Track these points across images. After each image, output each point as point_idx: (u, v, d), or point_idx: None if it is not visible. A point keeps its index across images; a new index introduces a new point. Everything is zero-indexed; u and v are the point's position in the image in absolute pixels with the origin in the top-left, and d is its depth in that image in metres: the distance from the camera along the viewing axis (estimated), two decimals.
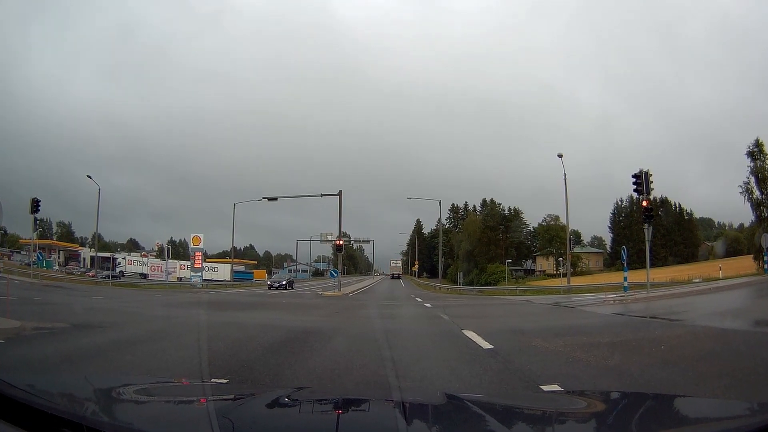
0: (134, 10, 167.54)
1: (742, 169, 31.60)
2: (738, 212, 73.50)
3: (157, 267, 51.28)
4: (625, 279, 21.91)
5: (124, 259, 56.62)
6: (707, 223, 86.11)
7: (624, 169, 78.46)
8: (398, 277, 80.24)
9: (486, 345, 7.34)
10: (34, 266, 33.80)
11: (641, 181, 20.16)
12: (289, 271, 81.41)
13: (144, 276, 50.70)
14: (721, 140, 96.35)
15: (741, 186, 31.54)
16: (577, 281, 38.41)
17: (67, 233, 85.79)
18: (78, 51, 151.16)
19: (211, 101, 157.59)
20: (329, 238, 46.16)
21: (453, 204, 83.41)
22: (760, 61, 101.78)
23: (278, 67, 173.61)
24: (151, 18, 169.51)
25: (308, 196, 39.05)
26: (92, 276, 43.10)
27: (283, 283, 37.00)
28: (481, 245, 64.47)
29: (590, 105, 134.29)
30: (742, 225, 70.06)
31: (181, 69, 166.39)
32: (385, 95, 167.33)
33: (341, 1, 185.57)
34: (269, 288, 35.68)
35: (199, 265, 40.81)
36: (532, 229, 72.44)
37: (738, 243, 53.83)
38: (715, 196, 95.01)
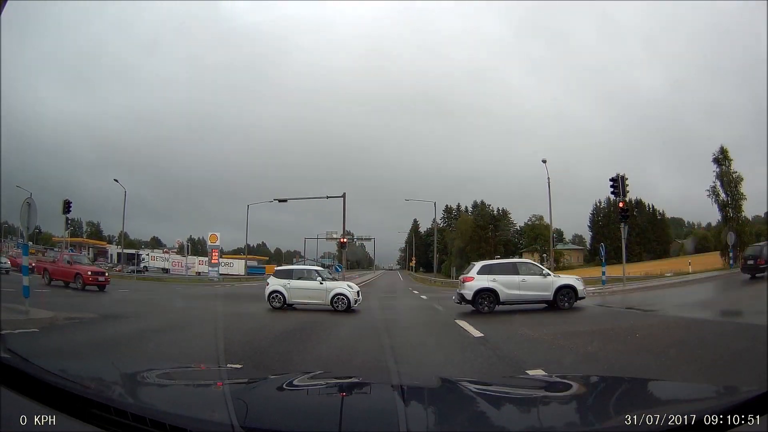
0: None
1: (705, 163, 32.10)
2: (705, 212, 73.35)
3: (178, 262, 51.23)
4: (604, 273, 21.81)
5: (147, 255, 56.52)
6: (678, 222, 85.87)
7: (593, 170, 75.11)
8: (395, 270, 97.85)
9: (477, 333, 7.35)
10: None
11: (618, 184, 20.41)
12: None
13: (166, 271, 50.59)
14: (681, 134, 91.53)
15: (708, 189, 32.22)
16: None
17: (96, 232, 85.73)
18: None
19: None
20: (334, 236, 46.07)
21: (447, 205, 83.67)
22: (706, 45, 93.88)
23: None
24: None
25: (315, 198, 39.09)
26: (119, 270, 43.05)
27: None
28: (472, 243, 64.61)
29: (550, 107, 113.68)
30: (709, 224, 69.89)
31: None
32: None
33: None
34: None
35: (216, 261, 40.75)
36: (518, 228, 72.61)
37: (706, 241, 53.63)
38: (680, 191, 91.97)
